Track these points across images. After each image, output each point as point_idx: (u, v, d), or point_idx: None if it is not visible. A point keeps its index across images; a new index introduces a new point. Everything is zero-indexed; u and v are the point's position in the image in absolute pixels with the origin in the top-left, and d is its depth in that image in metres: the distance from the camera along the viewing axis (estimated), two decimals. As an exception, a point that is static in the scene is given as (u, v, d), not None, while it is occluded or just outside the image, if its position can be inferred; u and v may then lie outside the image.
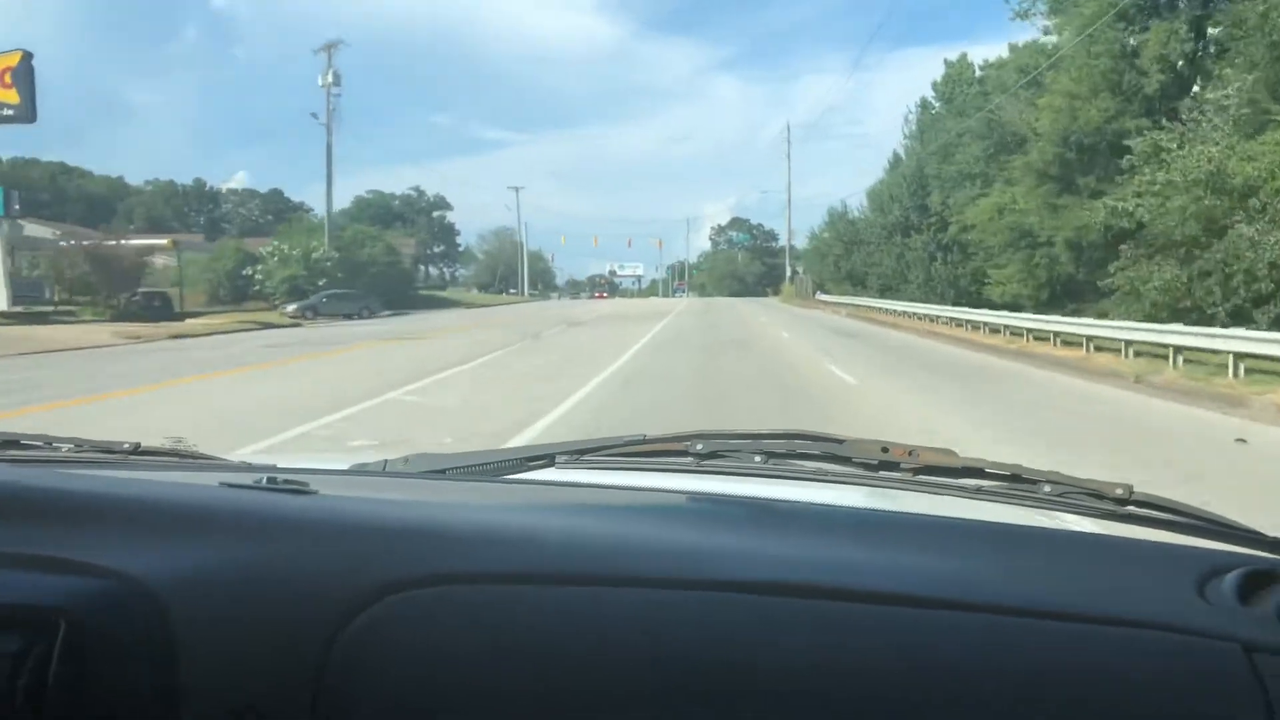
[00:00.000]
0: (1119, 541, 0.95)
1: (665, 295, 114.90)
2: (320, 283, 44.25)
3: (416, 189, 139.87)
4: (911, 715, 0.70)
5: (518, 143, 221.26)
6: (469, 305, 58.93)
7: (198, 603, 0.74)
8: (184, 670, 0.72)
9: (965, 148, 34.95)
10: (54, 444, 1.27)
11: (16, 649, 0.71)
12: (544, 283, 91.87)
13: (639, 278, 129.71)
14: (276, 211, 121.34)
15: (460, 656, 0.73)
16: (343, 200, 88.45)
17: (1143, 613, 0.74)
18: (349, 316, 39.39)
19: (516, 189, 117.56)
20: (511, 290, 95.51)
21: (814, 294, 56.93)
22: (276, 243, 49.03)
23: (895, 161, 46.27)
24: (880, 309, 37.52)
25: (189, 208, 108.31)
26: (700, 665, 0.72)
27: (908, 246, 40.67)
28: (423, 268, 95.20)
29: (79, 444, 1.28)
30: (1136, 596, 0.78)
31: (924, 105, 44.53)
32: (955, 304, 30.74)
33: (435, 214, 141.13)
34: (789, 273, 73.27)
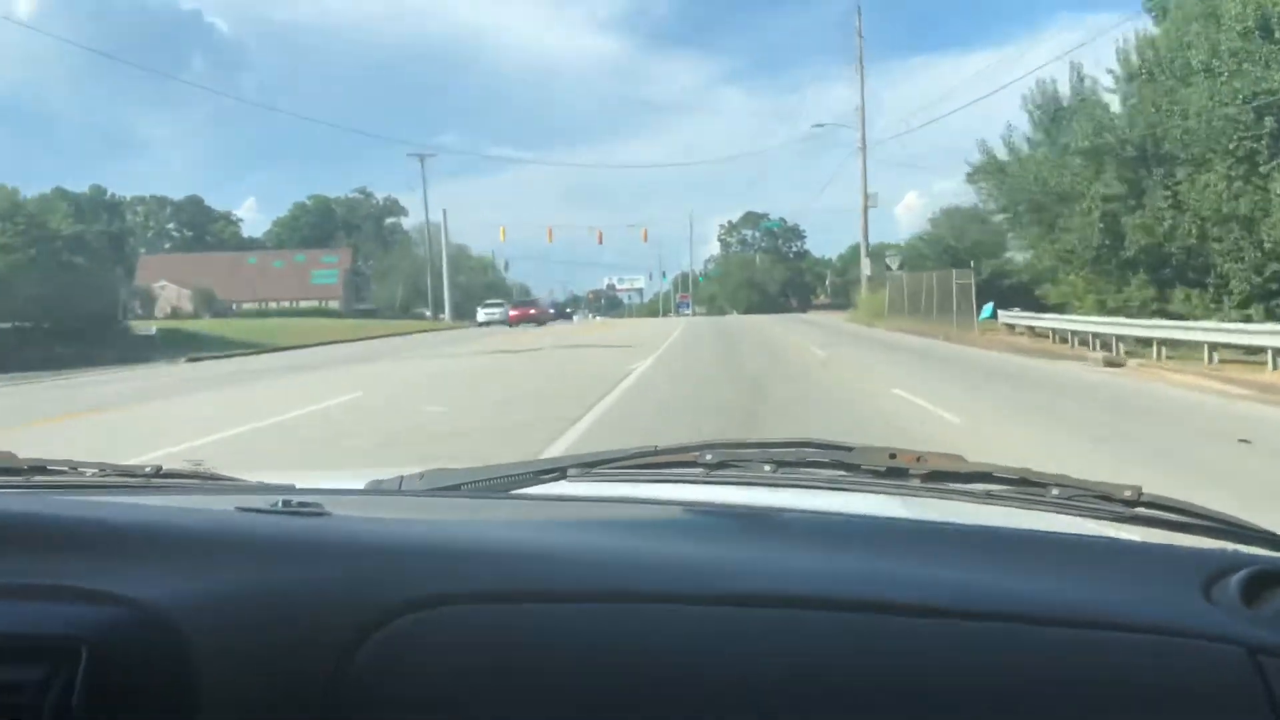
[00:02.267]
0: (1127, 545, 0.96)
1: (666, 313, 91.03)
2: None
3: (363, 191, 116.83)
4: None
5: (523, 160, 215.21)
6: (251, 346, 32.08)
7: (214, 628, 0.76)
8: (201, 695, 0.74)
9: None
10: (79, 469, 1.30)
11: (41, 677, 0.72)
12: (494, 297, 67.13)
13: (639, 291, 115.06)
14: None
15: (474, 675, 0.74)
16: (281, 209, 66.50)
17: (1148, 617, 0.75)
18: None
19: (421, 157, 71.57)
20: (423, 311, 70.32)
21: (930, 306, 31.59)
22: None
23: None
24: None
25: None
26: (716, 680, 0.73)
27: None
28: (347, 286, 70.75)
29: (103, 469, 1.31)
30: (1143, 601, 0.78)
31: None
32: None
33: (387, 221, 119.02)
34: (866, 272, 45.08)
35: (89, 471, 1.30)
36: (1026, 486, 1.08)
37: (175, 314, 60.19)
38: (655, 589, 0.79)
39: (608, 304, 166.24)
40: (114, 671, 0.73)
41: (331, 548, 0.84)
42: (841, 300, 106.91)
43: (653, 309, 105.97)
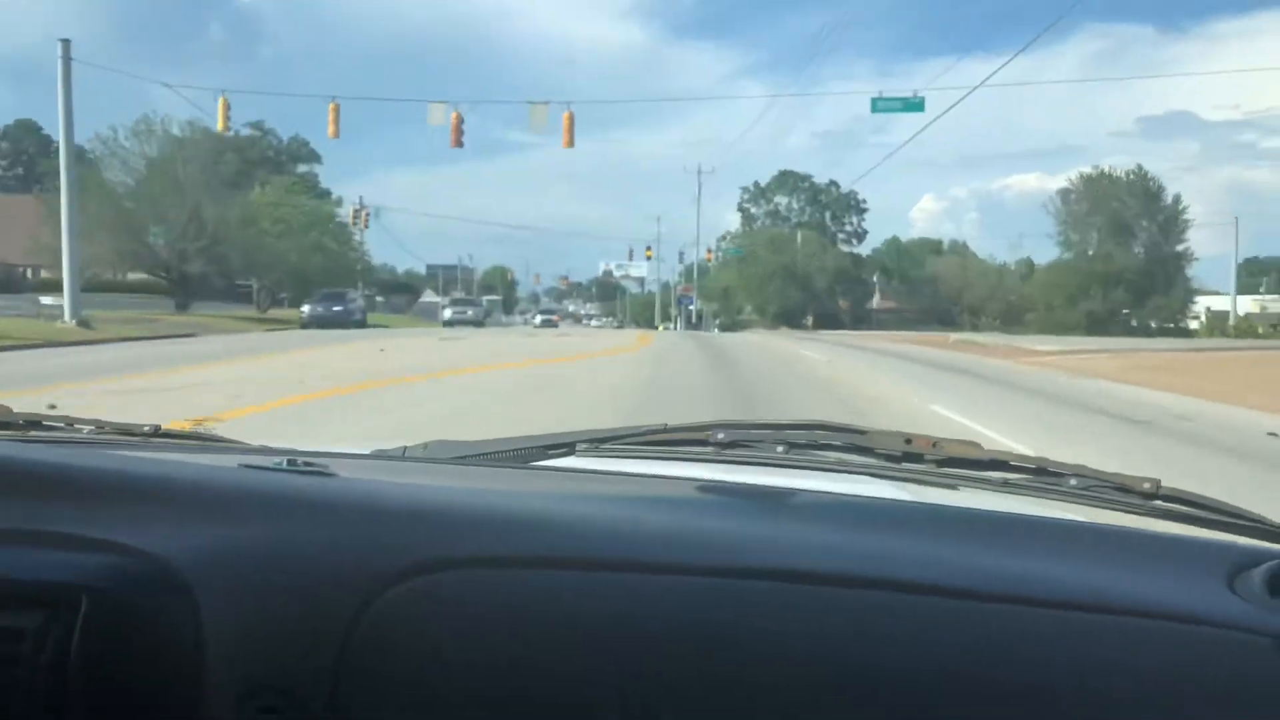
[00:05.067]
0: (1146, 535, 0.94)
1: (649, 322, 64.37)
2: None
3: (258, 126, 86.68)
4: (938, 704, 0.72)
5: (538, 145, 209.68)
6: None
7: (219, 581, 0.75)
8: (206, 647, 0.73)
9: None
10: (75, 424, 1.28)
11: (39, 624, 0.72)
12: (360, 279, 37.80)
13: (640, 280, 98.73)
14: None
15: (478, 639, 0.75)
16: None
17: (1172, 605, 0.74)
18: None
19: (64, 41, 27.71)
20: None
21: None
22: None
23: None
24: None
25: None
26: (718, 650, 0.74)
27: None
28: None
29: (100, 425, 1.29)
30: (1166, 589, 0.77)
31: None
32: None
33: (301, 169, 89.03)
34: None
35: (85, 428, 1.27)
36: (1043, 476, 1.07)
37: None
38: (659, 559, 0.78)
39: (600, 294, 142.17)
40: (115, 620, 0.72)
41: (338, 508, 0.83)
42: (910, 310, 78.47)
43: (645, 311, 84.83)
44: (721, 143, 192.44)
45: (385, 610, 0.74)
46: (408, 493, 0.90)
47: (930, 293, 73.26)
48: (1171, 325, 61.36)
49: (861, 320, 70.97)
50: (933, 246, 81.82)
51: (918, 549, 0.83)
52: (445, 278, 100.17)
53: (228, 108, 26.19)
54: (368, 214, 52.59)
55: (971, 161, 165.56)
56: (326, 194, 77.48)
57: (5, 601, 0.73)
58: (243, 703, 0.73)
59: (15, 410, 1.27)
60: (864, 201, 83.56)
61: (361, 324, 37.35)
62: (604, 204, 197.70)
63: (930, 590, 0.75)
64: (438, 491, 0.95)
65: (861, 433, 1.13)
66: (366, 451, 1.27)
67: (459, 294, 48.25)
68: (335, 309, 36.65)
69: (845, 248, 78.75)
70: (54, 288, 39.95)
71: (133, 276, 44.54)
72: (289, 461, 0.95)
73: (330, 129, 25.72)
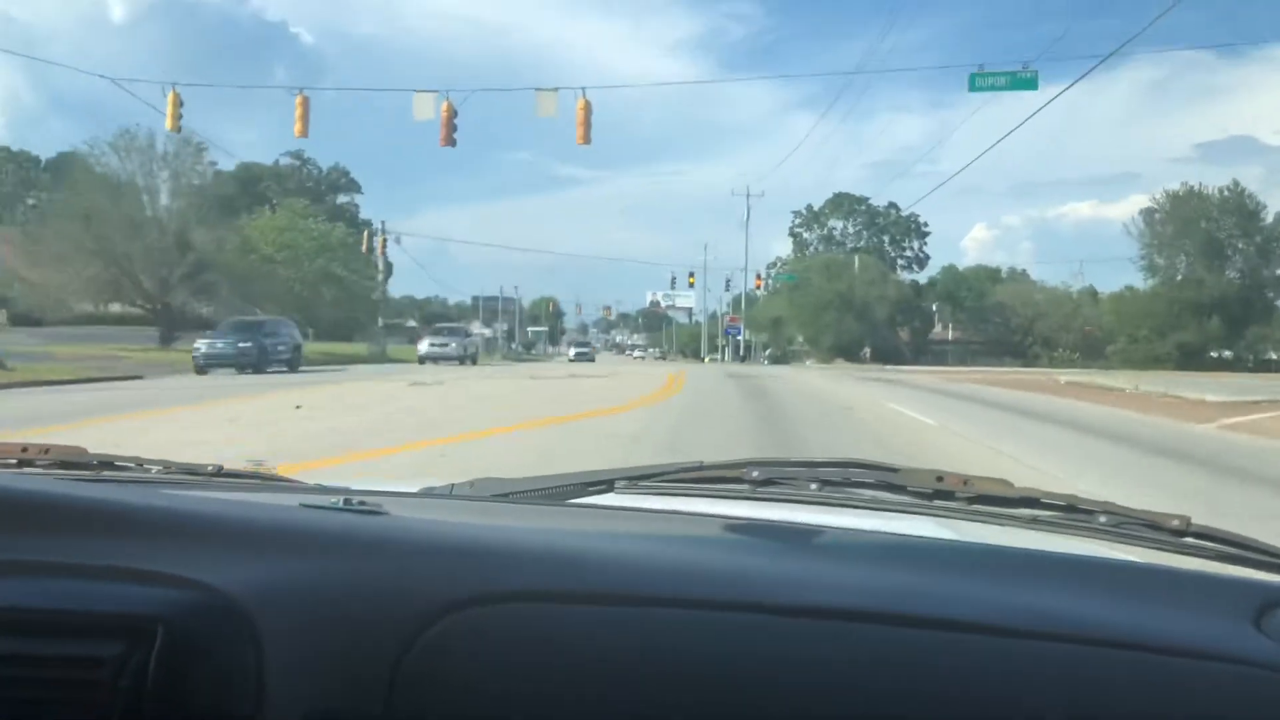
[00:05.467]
0: (1176, 572, 0.94)
1: (695, 353, 60.03)
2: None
3: (297, 155, 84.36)
4: None
5: (592, 180, 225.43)
6: None
7: (279, 616, 0.79)
8: (266, 676, 0.77)
9: None
10: (144, 465, 1.34)
11: (118, 653, 0.76)
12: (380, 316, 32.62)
13: (689, 310, 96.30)
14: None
15: (518, 672, 0.78)
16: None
17: (1199, 643, 0.75)
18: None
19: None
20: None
21: None
22: None
23: None
24: None
25: None
26: (756, 688, 0.75)
27: None
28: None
29: (167, 465, 1.35)
30: (1193, 627, 0.78)
31: None
32: None
33: (340, 200, 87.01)
34: None
35: (154, 468, 1.34)
36: (1073, 513, 1.08)
37: None
38: (694, 595, 0.80)
39: (647, 324, 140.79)
40: (187, 652, 0.76)
41: (389, 545, 0.87)
42: (975, 341, 73.09)
43: (692, 340, 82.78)
44: (770, 174, 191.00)
45: (431, 643, 0.77)
46: (454, 530, 0.94)
47: (1000, 322, 67.93)
48: (1275, 358, 55.46)
49: (923, 353, 65.83)
50: (990, 274, 76.54)
51: (950, 585, 0.83)
52: (489, 308, 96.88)
53: (178, 103, 21.63)
54: (385, 240, 46.83)
55: (1023, 189, 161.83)
56: (367, 224, 74.61)
57: (86, 631, 0.77)
58: None
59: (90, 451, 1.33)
60: (925, 224, 78.61)
61: (292, 365, 28.41)
62: (653, 234, 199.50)
63: (964, 627, 0.76)
64: (482, 529, 0.97)
65: (894, 470, 1.16)
66: (416, 489, 1.32)
67: (455, 323, 43.83)
68: (242, 345, 26.55)
69: (905, 274, 73.88)
70: (28, 321, 36.52)
71: (129, 309, 40.43)
72: (344, 501, 0.98)
73: (298, 127, 21.81)
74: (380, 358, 41.77)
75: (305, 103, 21.50)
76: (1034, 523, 1.08)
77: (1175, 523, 1.01)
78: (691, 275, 68.86)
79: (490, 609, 0.79)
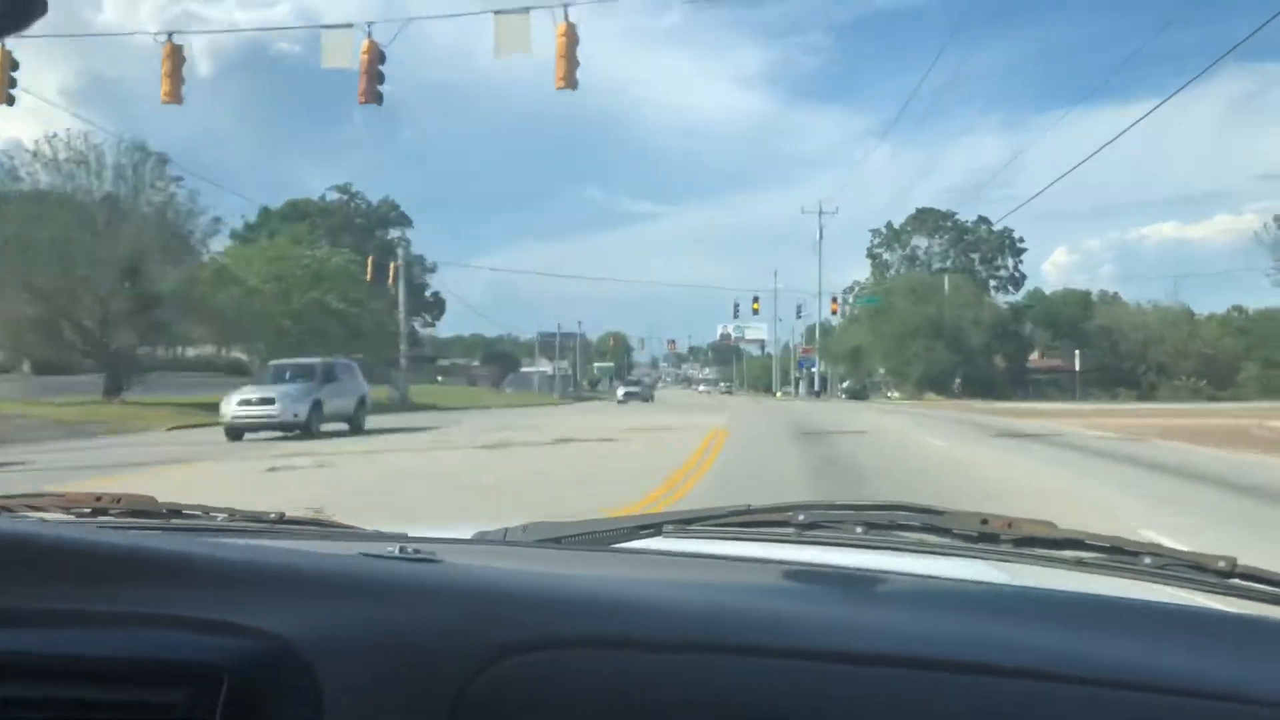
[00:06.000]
0: (1222, 615, 0.97)
1: (767, 387, 54.53)
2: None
3: (345, 190, 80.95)
4: None
5: (664, 214, 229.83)
6: None
7: (339, 663, 0.81)
8: None
9: None
10: (210, 513, 1.40)
11: (188, 700, 0.79)
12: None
13: (760, 342, 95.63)
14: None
15: (573, 717, 0.79)
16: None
17: (1243, 688, 0.75)
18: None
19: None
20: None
21: None
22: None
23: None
24: None
25: None
26: None
27: None
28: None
29: (232, 513, 1.40)
30: (1237, 672, 0.78)
31: None
32: None
33: (390, 234, 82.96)
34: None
35: (219, 516, 1.39)
36: (1118, 554, 1.09)
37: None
38: (740, 641, 0.81)
39: (717, 357, 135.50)
40: (252, 700, 0.78)
41: (443, 592, 0.89)
42: (1078, 370, 65.35)
43: (763, 374, 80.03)
44: (843, 193, 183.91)
45: (486, 689, 0.79)
46: (506, 577, 0.96)
47: (1107, 347, 60.25)
48: None
49: (1020, 384, 58.51)
50: (1079, 298, 68.83)
51: (994, 630, 0.84)
52: (549, 344, 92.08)
53: (6, 64, 14.53)
54: (397, 268, 42.20)
55: (1104, 211, 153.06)
56: (420, 259, 70.37)
57: (156, 679, 0.79)
58: None
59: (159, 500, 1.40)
60: (1021, 240, 71.19)
61: (355, 424, 22.94)
62: (723, 264, 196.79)
63: (1007, 673, 0.76)
64: (534, 575, 0.99)
65: (939, 513, 1.18)
66: (470, 534, 1.35)
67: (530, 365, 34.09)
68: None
69: (999, 295, 66.60)
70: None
71: (68, 356, 32.09)
72: (401, 549, 1.01)
73: (164, 85, 14.91)
74: (399, 405, 36.38)
75: (174, 54, 14.98)
76: (1079, 564, 1.08)
77: (1221, 564, 1.01)
78: (756, 300, 62.84)
79: (544, 655, 0.80)
